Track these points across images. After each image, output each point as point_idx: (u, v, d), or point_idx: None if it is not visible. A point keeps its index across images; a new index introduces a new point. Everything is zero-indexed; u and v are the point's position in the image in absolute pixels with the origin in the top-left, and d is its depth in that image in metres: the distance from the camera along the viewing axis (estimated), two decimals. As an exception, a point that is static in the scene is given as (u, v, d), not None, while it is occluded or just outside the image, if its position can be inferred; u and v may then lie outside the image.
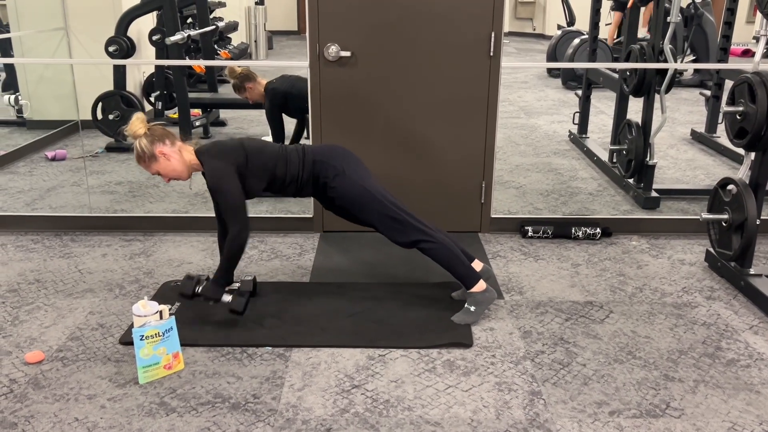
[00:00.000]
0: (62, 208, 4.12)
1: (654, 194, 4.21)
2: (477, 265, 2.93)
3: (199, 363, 2.50)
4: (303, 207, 3.98)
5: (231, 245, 2.63)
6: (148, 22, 5.77)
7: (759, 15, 3.12)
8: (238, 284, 2.97)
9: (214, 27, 6.45)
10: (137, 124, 2.64)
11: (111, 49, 5.31)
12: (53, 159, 5.11)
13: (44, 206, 4.17)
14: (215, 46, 7.31)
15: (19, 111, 5.90)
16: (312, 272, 3.30)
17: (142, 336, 2.35)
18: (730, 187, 3.15)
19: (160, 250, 3.53)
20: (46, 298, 3.00)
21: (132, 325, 2.58)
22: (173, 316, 2.47)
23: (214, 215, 3.90)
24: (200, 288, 2.68)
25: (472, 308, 2.79)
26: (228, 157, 2.65)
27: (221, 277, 2.68)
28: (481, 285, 2.79)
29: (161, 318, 2.49)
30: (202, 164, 2.68)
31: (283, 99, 4.47)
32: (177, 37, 5.17)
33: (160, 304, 2.55)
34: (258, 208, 4.06)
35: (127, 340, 2.61)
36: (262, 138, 3.78)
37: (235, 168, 2.64)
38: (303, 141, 4.71)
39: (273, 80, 4.54)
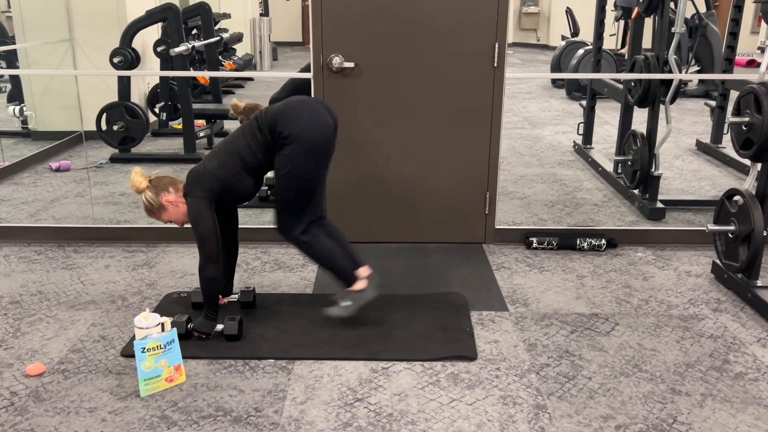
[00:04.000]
0: (66, 219, 4.12)
1: (659, 205, 4.18)
2: (365, 271, 2.86)
3: (201, 375, 2.48)
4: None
5: (199, 278, 2.63)
6: (152, 33, 5.79)
7: (764, 25, 3.11)
8: (237, 295, 2.96)
9: (218, 38, 6.47)
10: (138, 178, 2.63)
11: (116, 60, 5.33)
12: (57, 170, 5.11)
13: (48, 217, 4.16)
14: (220, 57, 7.33)
15: (24, 122, 5.92)
16: (315, 283, 3.28)
17: (144, 348, 2.33)
18: (737, 198, 3.12)
19: (163, 261, 3.52)
20: (48, 310, 2.99)
21: (134, 337, 2.56)
22: (175, 329, 2.45)
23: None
24: (191, 325, 2.69)
25: (346, 303, 2.80)
26: (200, 190, 2.61)
27: (208, 311, 2.68)
28: (357, 286, 2.80)
29: (163, 330, 2.47)
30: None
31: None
32: (181, 48, 5.19)
33: (162, 315, 2.53)
34: (261, 219, 4.05)
35: (128, 353, 2.60)
36: None
37: (209, 196, 2.60)
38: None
39: (275, 93, 4.53)
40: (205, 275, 2.60)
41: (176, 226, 2.77)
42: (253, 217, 4.10)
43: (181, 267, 3.45)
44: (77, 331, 2.80)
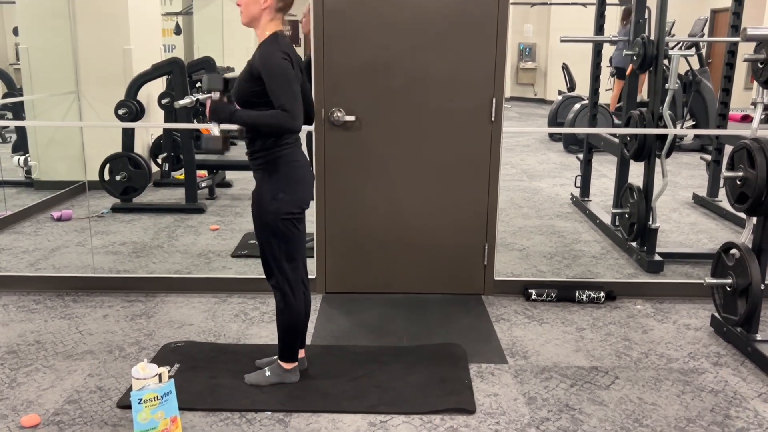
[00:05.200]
0: (65, 268, 4.12)
1: (657, 258, 4.20)
2: (302, 353, 2.84)
3: (197, 428, 2.45)
4: (306, 268, 3.98)
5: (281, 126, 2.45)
6: (157, 85, 5.91)
7: (756, 82, 3.19)
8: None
9: (222, 91, 6.59)
10: None
11: (121, 112, 5.43)
12: (59, 219, 5.15)
13: (48, 266, 4.17)
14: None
15: (28, 172, 5.98)
16: (313, 334, 3.27)
17: (141, 399, 2.31)
18: (733, 251, 3.14)
19: (162, 312, 3.51)
20: (45, 360, 2.97)
21: (131, 388, 2.54)
22: (172, 379, 2.44)
23: (215, 276, 3.91)
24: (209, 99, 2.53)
25: (269, 374, 2.74)
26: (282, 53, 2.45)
27: (239, 115, 2.47)
28: (291, 365, 2.74)
29: (160, 381, 2.45)
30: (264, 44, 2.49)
31: None
32: (186, 101, 5.29)
33: (159, 366, 2.52)
34: (259, 270, 4.06)
35: (125, 404, 2.57)
36: None
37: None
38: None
39: None
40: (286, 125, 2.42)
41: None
42: (252, 267, 4.11)
43: (180, 317, 3.44)
44: (74, 381, 2.78)
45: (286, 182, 2.54)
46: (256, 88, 2.46)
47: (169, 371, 2.79)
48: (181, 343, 3.11)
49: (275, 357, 2.80)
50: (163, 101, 5.70)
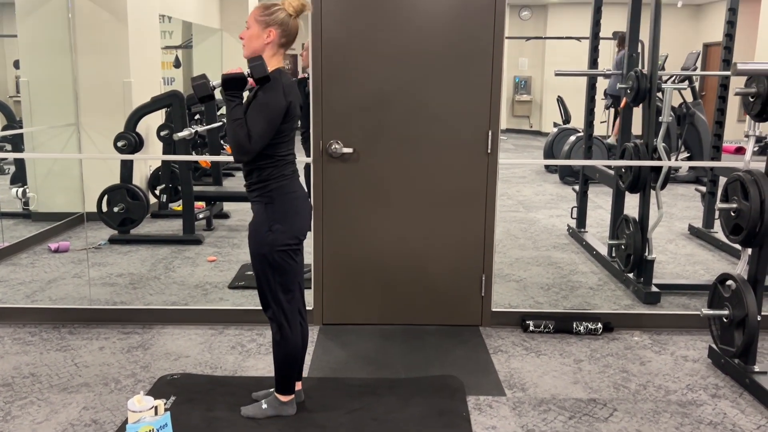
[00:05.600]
0: (62, 300, 4.11)
1: (654, 289, 4.20)
2: (299, 385, 2.83)
3: (193, 462, 2.43)
4: (303, 300, 3.97)
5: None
6: (156, 117, 5.96)
7: (748, 116, 3.23)
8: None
9: (221, 123, 6.65)
10: (297, 4, 2.52)
11: (120, 144, 5.47)
12: (56, 251, 5.14)
13: (44, 298, 4.16)
14: (222, 142, 7.51)
15: (26, 203, 6.00)
16: (310, 366, 3.25)
17: (136, 433, 2.30)
18: (729, 282, 3.16)
19: (158, 344, 3.50)
20: (40, 393, 2.95)
21: (126, 421, 2.52)
22: (168, 412, 2.42)
23: (212, 308, 3.90)
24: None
25: (265, 406, 2.72)
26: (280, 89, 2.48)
27: (232, 102, 2.47)
28: (288, 397, 2.73)
29: (156, 414, 2.44)
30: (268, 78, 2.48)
31: None
32: (185, 133, 5.34)
33: (155, 399, 2.51)
34: (256, 301, 4.05)
35: (120, 437, 2.55)
36: None
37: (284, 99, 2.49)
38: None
39: None
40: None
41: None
42: (249, 299, 4.10)
43: (176, 349, 3.43)
44: (68, 414, 2.76)
45: (283, 214, 2.55)
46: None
47: (165, 404, 2.77)
48: (178, 376, 3.09)
49: (272, 389, 2.79)
50: (162, 133, 5.74)
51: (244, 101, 2.50)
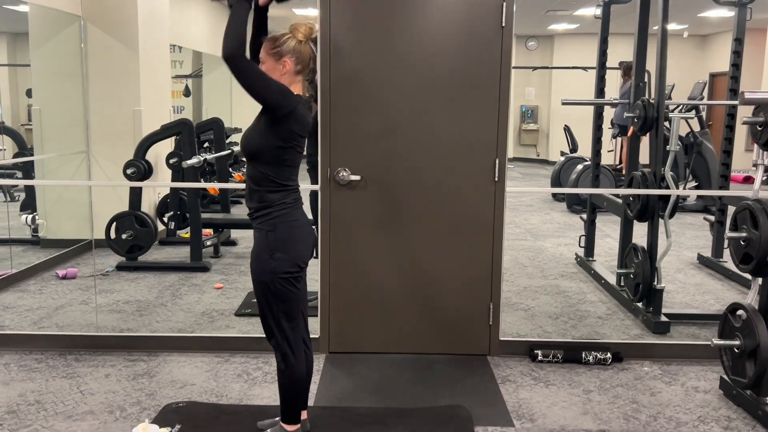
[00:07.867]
0: (69, 327, 4.11)
1: (664, 319, 4.16)
2: (304, 414, 2.79)
3: (197, 492, 2.40)
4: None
5: None
6: (166, 145, 6.01)
7: (756, 144, 3.23)
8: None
9: (229, 151, 6.70)
10: (304, 29, 2.56)
11: (129, 171, 5.50)
12: (64, 277, 5.16)
13: (51, 325, 4.16)
14: (230, 169, 7.56)
15: (35, 230, 6.03)
16: (316, 395, 3.22)
17: (140, 462, 2.27)
18: (740, 312, 3.12)
19: (164, 371, 3.48)
20: (44, 420, 2.93)
21: (130, 450, 2.50)
22: (173, 441, 2.40)
23: (218, 335, 3.89)
24: None
25: None
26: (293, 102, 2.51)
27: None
28: (294, 426, 2.69)
29: (161, 442, 2.42)
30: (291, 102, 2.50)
31: None
32: (194, 160, 5.37)
33: (161, 427, 2.49)
34: (260, 328, 4.03)
35: (124, 466, 2.53)
36: None
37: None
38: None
39: None
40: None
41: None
42: (256, 326, 4.09)
43: (182, 377, 3.41)
44: (73, 442, 2.74)
45: (284, 241, 2.55)
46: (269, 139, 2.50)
47: (170, 432, 2.75)
48: (183, 404, 3.07)
49: (277, 418, 2.76)
50: (171, 161, 5.79)
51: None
